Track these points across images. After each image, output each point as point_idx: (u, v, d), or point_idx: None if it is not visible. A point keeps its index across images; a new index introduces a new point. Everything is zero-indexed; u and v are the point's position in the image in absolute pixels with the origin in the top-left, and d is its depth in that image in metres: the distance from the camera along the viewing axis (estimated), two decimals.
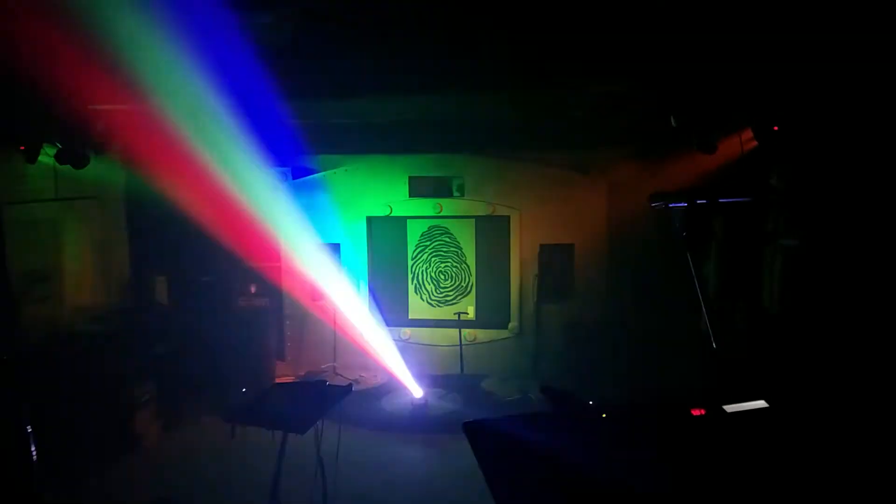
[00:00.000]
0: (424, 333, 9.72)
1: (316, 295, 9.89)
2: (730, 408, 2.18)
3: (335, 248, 9.76)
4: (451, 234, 9.67)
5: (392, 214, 9.57)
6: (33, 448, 4.43)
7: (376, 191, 9.53)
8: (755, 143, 5.79)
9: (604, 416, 2.14)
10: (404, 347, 9.63)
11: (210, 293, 9.01)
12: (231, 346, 8.78)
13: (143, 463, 7.01)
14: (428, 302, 9.83)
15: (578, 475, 1.84)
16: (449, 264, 9.73)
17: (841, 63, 4.46)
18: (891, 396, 2.39)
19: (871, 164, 4.88)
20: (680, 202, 2.79)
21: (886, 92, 4.57)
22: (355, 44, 5.66)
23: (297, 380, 9.04)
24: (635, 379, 7.59)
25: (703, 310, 2.81)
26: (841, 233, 5.18)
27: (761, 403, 2.22)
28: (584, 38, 5.22)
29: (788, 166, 5.82)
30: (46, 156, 6.61)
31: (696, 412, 2.15)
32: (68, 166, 6.75)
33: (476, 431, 2.00)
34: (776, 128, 5.36)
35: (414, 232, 9.75)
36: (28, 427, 4.36)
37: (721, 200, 2.79)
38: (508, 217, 9.38)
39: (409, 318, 9.86)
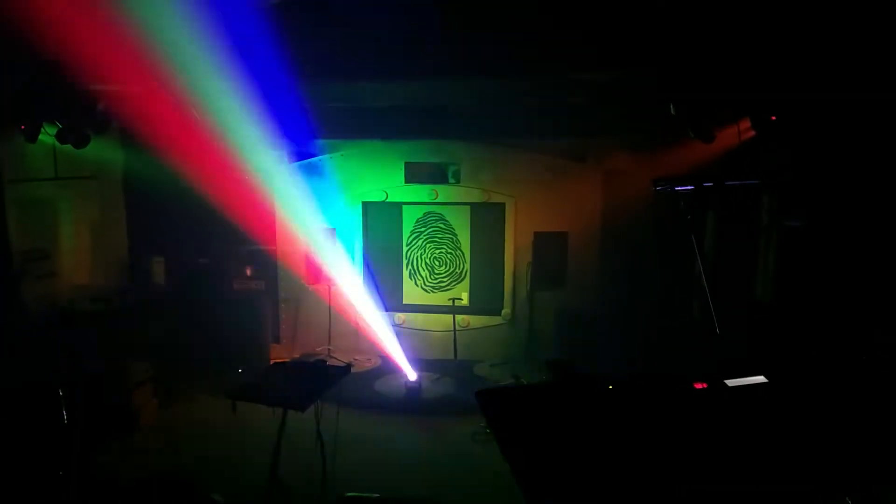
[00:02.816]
0: (418, 319, 9.81)
1: (311, 278, 9.96)
2: (731, 382, 2.29)
3: (330, 232, 9.81)
4: (447, 220, 9.74)
5: (388, 200, 9.62)
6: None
7: (372, 176, 9.57)
8: (753, 132, 5.87)
9: (610, 387, 2.24)
10: (398, 332, 9.72)
11: (207, 275, 9.07)
12: (226, 328, 8.86)
13: (142, 440, 7.08)
14: (422, 288, 9.91)
15: (588, 441, 1.94)
16: (444, 250, 9.81)
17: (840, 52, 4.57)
18: (885, 376, 2.50)
19: (869, 149, 5.00)
20: (686, 185, 2.88)
21: (884, 80, 4.68)
22: (355, 27, 5.70)
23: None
24: (629, 365, 7.71)
25: (707, 294, 2.90)
26: (841, 214, 5.30)
27: (761, 378, 2.32)
28: (585, 26, 5.28)
29: (788, 152, 5.93)
30: (47, 135, 6.61)
31: (698, 385, 2.25)
32: (68, 146, 6.75)
33: (488, 398, 2.09)
34: (773, 117, 5.45)
35: (409, 218, 9.81)
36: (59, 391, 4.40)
37: (728, 183, 2.88)
38: (503, 204, 9.46)
39: (404, 303, 9.95)
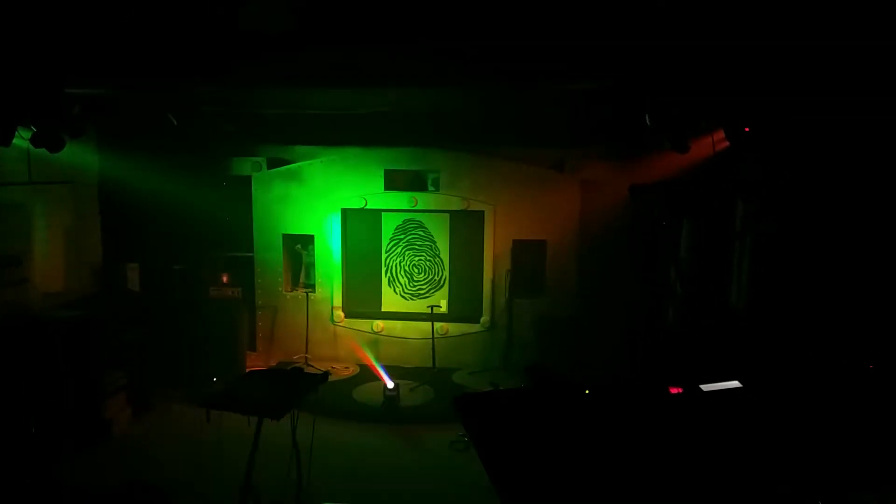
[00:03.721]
0: (397, 326, 9.77)
1: (289, 286, 9.89)
2: (706, 387, 2.31)
3: (309, 239, 9.76)
4: (426, 227, 9.74)
5: (367, 207, 9.60)
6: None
7: (352, 183, 9.55)
8: (727, 143, 5.96)
9: (587, 392, 2.24)
10: (377, 340, 9.69)
11: (182, 282, 8.96)
12: (202, 336, 8.75)
13: (115, 448, 6.97)
14: (401, 295, 9.89)
15: (564, 445, 1.94)
16: (423, 258, 9.80)
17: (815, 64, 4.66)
18: (859, 378, 2.55)
19: (842, 157, 5.10)
20: (659, 193, 2.91)
21: (856, 89, 4.78)
22: (334, 36, 5.69)
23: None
24: (605, 370, 7.76)
25: (681, 299, 2.93)
26: (815, 220, 5.39)
27: (735, 384, 2.34)
28: (563, 38, 5.32)
29: (762, 161, 6.02)
30: (21, 139, 6.50)
31: (674, 390, 2.27)
32: (43, 150, 6.64)
33: (466, 404, 2.09)
34: (747, 129, 5.54)
35: (388, 225, 9.80)
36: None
37: (702, 190, 2.91)
38: (483, 212, 9.49)
39: (382, 310, 9.91)
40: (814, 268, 5.38)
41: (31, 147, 6.52)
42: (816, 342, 4.83)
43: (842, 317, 5.00)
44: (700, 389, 2.24)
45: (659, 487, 1.83)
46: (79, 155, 7.56)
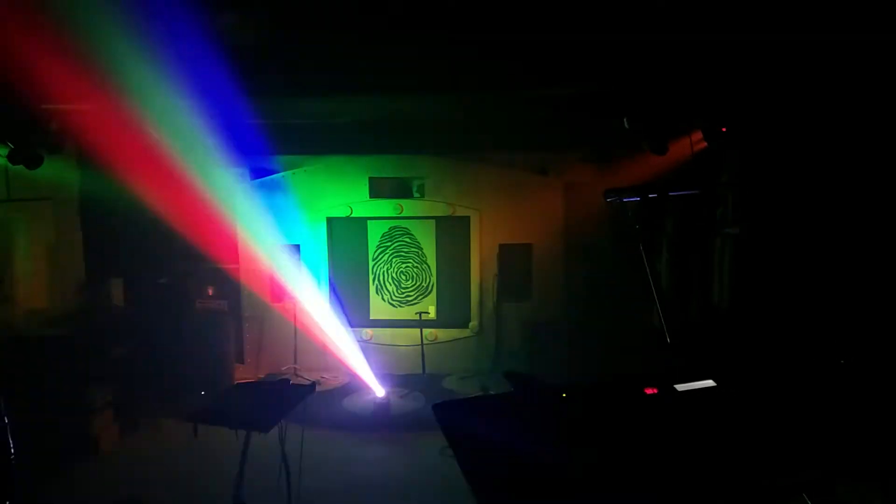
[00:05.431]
0: (386, 334, 9.78)
1: (276, 296, 9.87)
2: (680, 387, 2.33)
3: (295, 248, 9.75)
4: (412, 234, 9.76)
5: (352, 215, 9.61)
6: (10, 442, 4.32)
7: (336, 191, 9.56)
8: (704, 144, 6.01)
9: (564, 395, 2.26)
10: (366, 348, 9.67)
11: (167, 295, 8.92)
12: (189, 349, 8.71)
13: (102, 466, 6.91)
14: (389, 302, 9.89)
15: (541, 447, 1.96)
16: (410, 265, 9.81)
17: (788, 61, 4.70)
18: (832, 375, 2.57)
19: (814, 158, 5.15)
20: (633, 196, 2.94)
21: (831, 88, 4.83)
22: (316, 44, 5.69)
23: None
24: (592, 373, 7.78)
25: (657, 303, 2.95)
26: (780, 221, 5.45)
27: (709, 383, 2.37)
28: (542, 41, 5.34)
29: (735, 162, 6.09)
30: None
31: (649, 391, 2.29)
32: (21, 167, 6.61)
33: (445, 410, 2.09)
34: (724, 129, 5.59)
35: (375, 233, 9.81)
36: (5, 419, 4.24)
37: (671, 193, 2.94)
38: (468, 217, 9.52)
39: (371, 318, 9.91)
40: (792, 267, 5.42)
41: (8, 164, 6.49)
42: (787, 340, 4.88)
43: (810, 315, 5.04)
44: (675, 389, 2.26)
45: (639, 488, 1.84)
46: (58, 170, 7.53)
